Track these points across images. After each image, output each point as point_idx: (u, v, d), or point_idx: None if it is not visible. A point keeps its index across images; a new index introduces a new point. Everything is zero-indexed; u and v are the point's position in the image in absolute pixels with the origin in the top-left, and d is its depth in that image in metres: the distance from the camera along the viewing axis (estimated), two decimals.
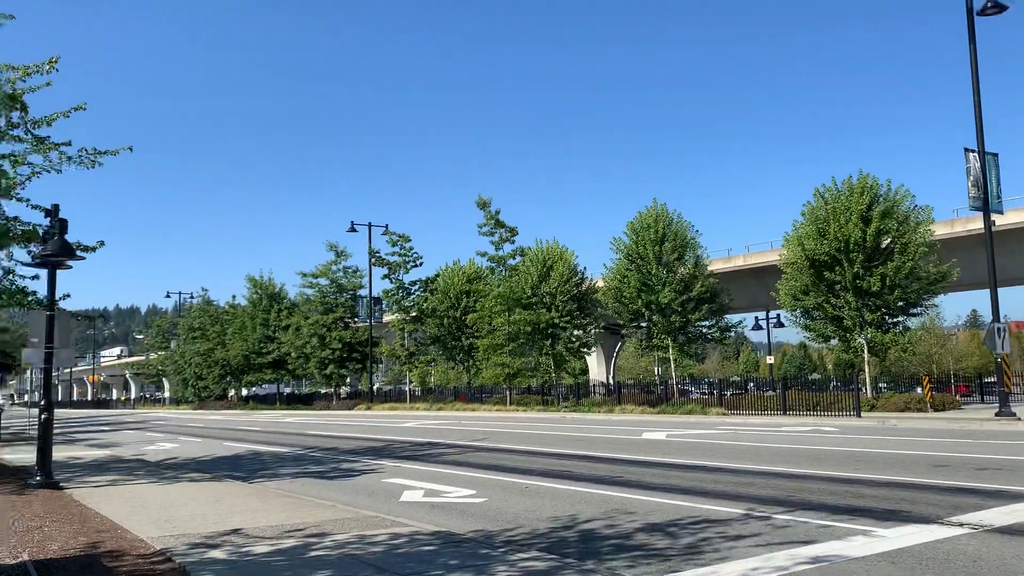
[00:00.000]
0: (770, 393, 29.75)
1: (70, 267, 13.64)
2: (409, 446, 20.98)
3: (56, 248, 12.34)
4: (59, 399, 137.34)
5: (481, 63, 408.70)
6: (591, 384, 43.99)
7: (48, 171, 15.28)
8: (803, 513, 9.13)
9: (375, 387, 59.54)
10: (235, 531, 8.44)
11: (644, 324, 40.30)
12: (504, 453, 17.78)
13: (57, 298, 16.71)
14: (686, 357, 41.26)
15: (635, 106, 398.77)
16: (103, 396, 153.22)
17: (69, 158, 15.42)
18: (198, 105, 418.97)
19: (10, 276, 16.23)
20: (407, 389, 52.71)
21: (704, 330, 40.15)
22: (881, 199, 31.00)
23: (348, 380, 64.28)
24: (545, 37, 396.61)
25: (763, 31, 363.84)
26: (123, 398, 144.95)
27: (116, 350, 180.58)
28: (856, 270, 30.02)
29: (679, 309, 38.13)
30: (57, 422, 60.29)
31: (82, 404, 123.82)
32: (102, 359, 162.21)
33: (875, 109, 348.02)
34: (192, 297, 78.70)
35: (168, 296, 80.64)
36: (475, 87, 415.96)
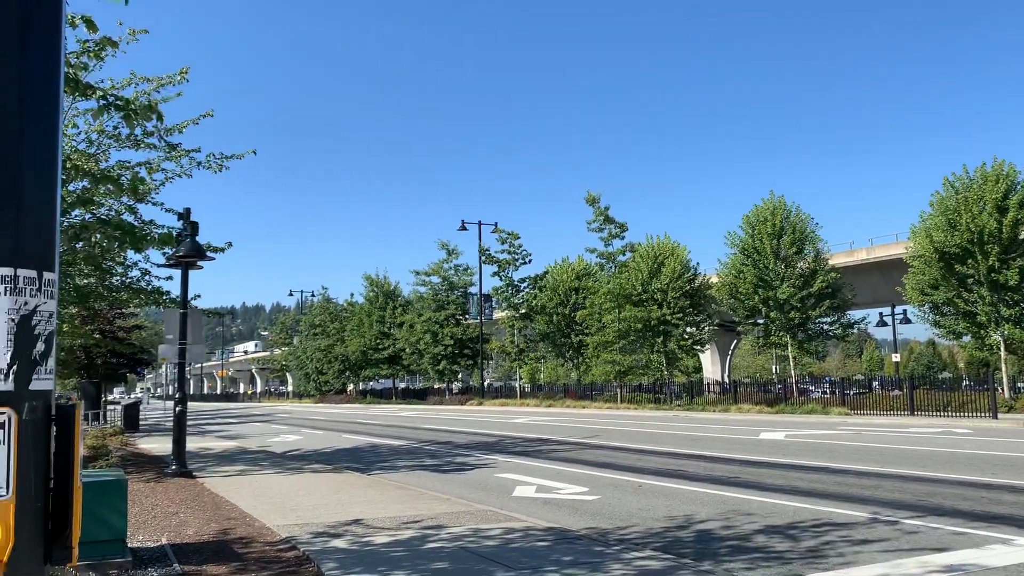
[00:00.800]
0: (896, 393, 28.27)
1: (201, 267, 14.41)
2: (521, 442, 21.11)
3: (189, 249, 13.06)
4: (191, 393, 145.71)
5: (589, 48, 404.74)
6: (705, 382, 43.09)
7: (180, 176, 16.29)
8: (935, 519, 8.64)
9: (486, 383, 60.35)
10: (356, 521, 8.71)
11: (761, 321, 39.15)
12: (616, 451, 17.64)
13: (189, 297, 17.77)
14: (805, 355, 39.90)
15: (749, 97, 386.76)
16: (231, 390, 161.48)
17: (199, 163, 16.30)
18: (312, 107, 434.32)
19: (147, 277, 17.36)
20: (517, 385, 53.14)
21: (825, 327, 38.64)
22: (1019, 187, 29.00)
23: (460, 376, 65.32)
24: (657, 14, 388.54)
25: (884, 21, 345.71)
26: (249, 392, 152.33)
27: (249, 344, 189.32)
28: (991, 263, 28.21)
29: (798, 305, 36.83)
30: (189, 415, 63.84)
31: (212, 398, 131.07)
32: (232, 355, 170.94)
33: (1008, 101, 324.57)
34: (312, 295, 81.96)
35: (291, 294, 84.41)
36: (587, 76, 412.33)
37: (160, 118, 4.56)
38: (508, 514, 9.22)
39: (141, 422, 39.43)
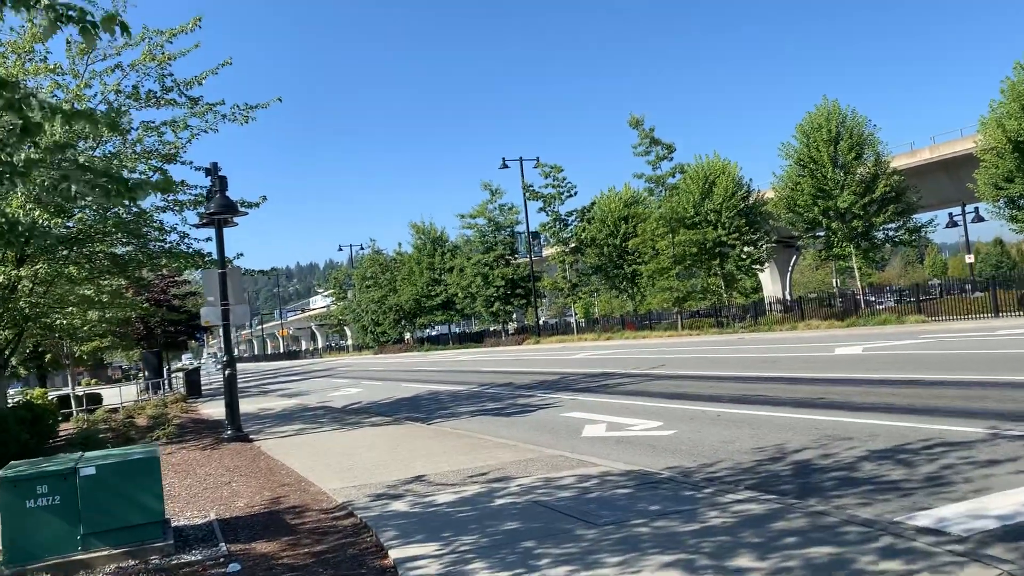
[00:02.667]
0: (978, 294, 26.68)
1: (235, 224, 13.76)
2: (583, 377, 20.39)
3: (219, 205, 12.39)
4: (255, 354, 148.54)
5: None
6: (766, 302, 41.75)
7: (205, 131, 15.58)
8: None
9: (540, 321, 59.77)
10: (417, 478, 8.05)
11: (822, 233, 37.52)
12: (684, 380, 16.78)
13: (230, 256, 17.21)
14: (871, 264, 38.24)
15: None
16: (293, 348, 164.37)
17: (223, 116, 15.57)
18: (346, 58, 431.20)
19: (186, 240, 16.85)
20: (573, 321, 52.41)
21: (890, 233, 36.86)
22: None
23: (514, 316, 64.87)
24: None
25: None
26: (311, 348, 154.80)
27: (316, 299, 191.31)
28: None
29: (860, 213, 35.12)
30: (252, 374, 64.77)
31: (275, 357, 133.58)
32: (293, 313, 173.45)
33: None
34: (362, 248, 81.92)
35: (340, 249, 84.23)
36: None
37: (125, 29, 3.69)
38: (580, 458, 8.48)
39: (204, 387, 39.84)
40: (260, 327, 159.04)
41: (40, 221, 11.86)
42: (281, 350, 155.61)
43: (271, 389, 34.18)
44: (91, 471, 5.73)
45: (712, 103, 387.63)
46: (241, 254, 17.05)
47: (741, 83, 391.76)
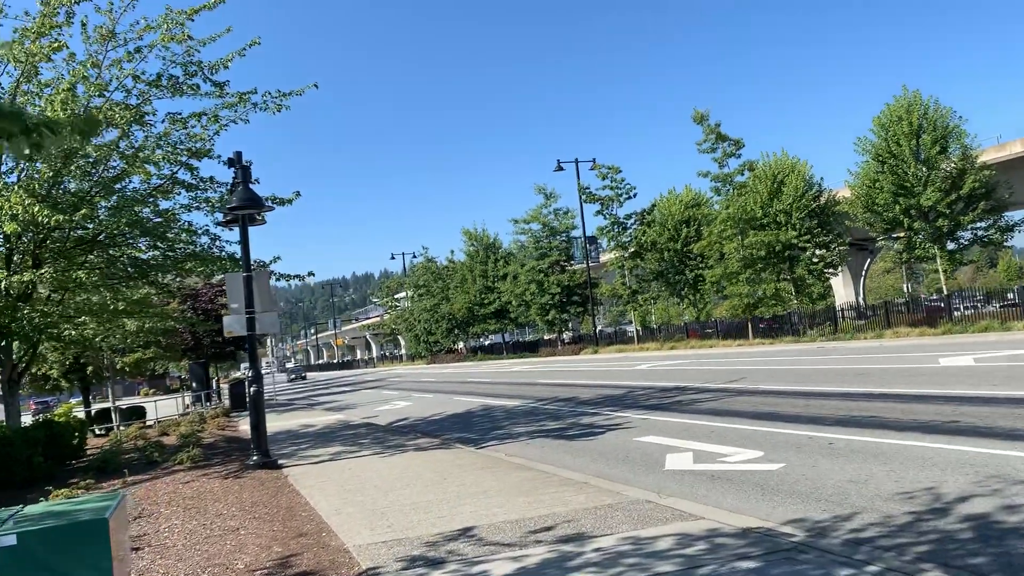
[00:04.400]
0: None
1: (262, 221, 12.25)
2: (652, 392, 18.45)
3: (242, 199, 10.87)
4: (309, 363, 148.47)
5: None
6: (839, 308, 39.05)
7: (234, 122, 14.18)
8: None
9: (597, 329, 57.68)
10: (464, 532, 6.30)
11: (901, 234, 34.82)
12: (772, 396, 14.73)
13: (264, 260, 15.76)
14: (958, 266, 35.43)
15: None
16: (348, 358, 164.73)
17: (255, 105, 14.19)
18: (400, 60, 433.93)
19: (217, 243, 15.46)
20: (633, 330, 50.14)
21: (979, 233, 33.98)
22: None
23: (569, 324, 62.89)
24: None
25: None
26: (365, 357, 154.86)
27: (372, 307, 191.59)
28: None
29: (946, 211, 32.39)
30: (303, 385, 63.97)
31: (329, 367, 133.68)
32: (352, 322, 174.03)
33: None
34: (415, 256, 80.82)
35: (393, 258, 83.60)
36: None
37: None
38: (673, 505, 6.62)
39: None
40: (315, 336, 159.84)
41: (41, 218, 10.49)
42: (336, 359, 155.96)
43: (320, 401, 32.92)
44: (11, 541, 4.11)
45: (779, 100, 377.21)
46: (278, 258, 15.64)
47: (808, 78, 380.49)
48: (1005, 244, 34.46)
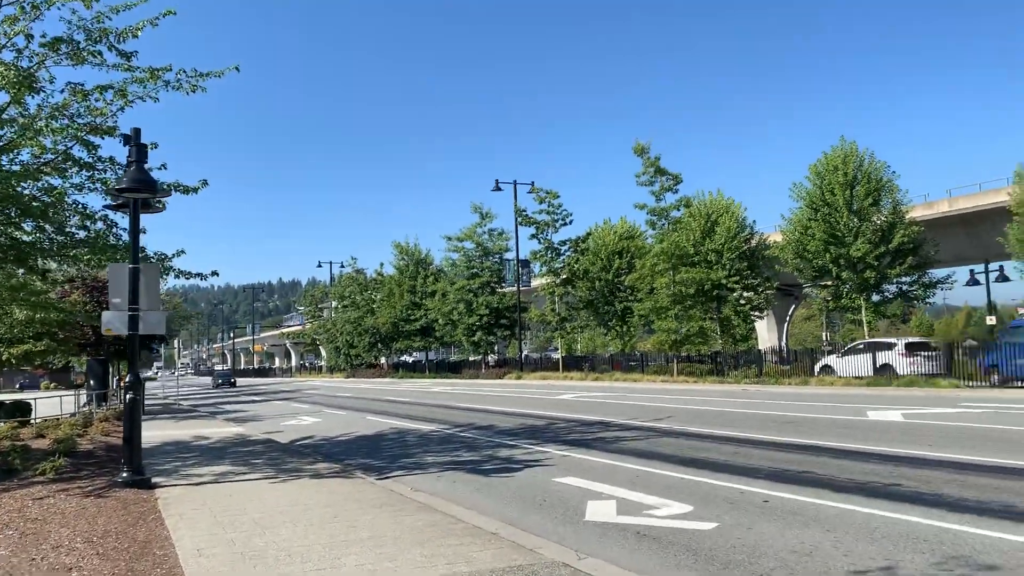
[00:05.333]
0: (1022, 361, 24.07)
1: (159, 208, 10.97)
2: (575, 425, 17.57)
3: (133, 180, 9.58)
4: (225, 369, 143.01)
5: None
6: (762, 351, 39.09)
7: (142, 99, 12.84)
8: None
9: (524, 354, 56.86)
10: None
11: (831, 282, 35.03)
12: (699, 440, 13.99)
13: (167, 253, 14.35)
14: (881, 318, 35.83)
15: (812, 30, 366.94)
16: (266, 365, 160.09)
17: (167, 83, 12.88)
18: (334, 73, 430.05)
19: (115, 230, 14.00)
20: (559, 357, 49.43)
21: (904, 287, 34.42)
22: None
23: (495, 347, 61.96)
24: None
25: None
26: (284, 366, 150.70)
27: (295, 316, 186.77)
28: None
29: (874, 263, 32.71)
30: (214, 391, 61.25)
31: (246, 373, 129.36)
32: (268, 331, 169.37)
33: None
34: (342, 266, 78.80)
35: (320, 266, 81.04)
36: (627, 18, 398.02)
37: None
38: (593, 573, 5.65)
39: (163, 402, 36.68)
40: (232, 341, 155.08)
41: None
42: (254, 366, 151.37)
43: (225, 410, 31.10)
44: None
45: (715, 140, 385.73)
46: (181, 251, 14.27)
47: (746, 122, 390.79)
48: (927, 300, 34.93)
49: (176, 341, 47.27)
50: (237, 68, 13.25)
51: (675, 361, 35.55)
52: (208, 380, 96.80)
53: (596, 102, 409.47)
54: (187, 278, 14.05)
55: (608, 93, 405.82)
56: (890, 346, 29.79)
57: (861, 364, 29.43)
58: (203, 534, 7.20)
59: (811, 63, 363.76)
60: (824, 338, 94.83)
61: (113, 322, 10.06)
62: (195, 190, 12.58)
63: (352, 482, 10.21)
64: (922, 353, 28.78)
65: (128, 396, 9.94)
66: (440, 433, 17.35)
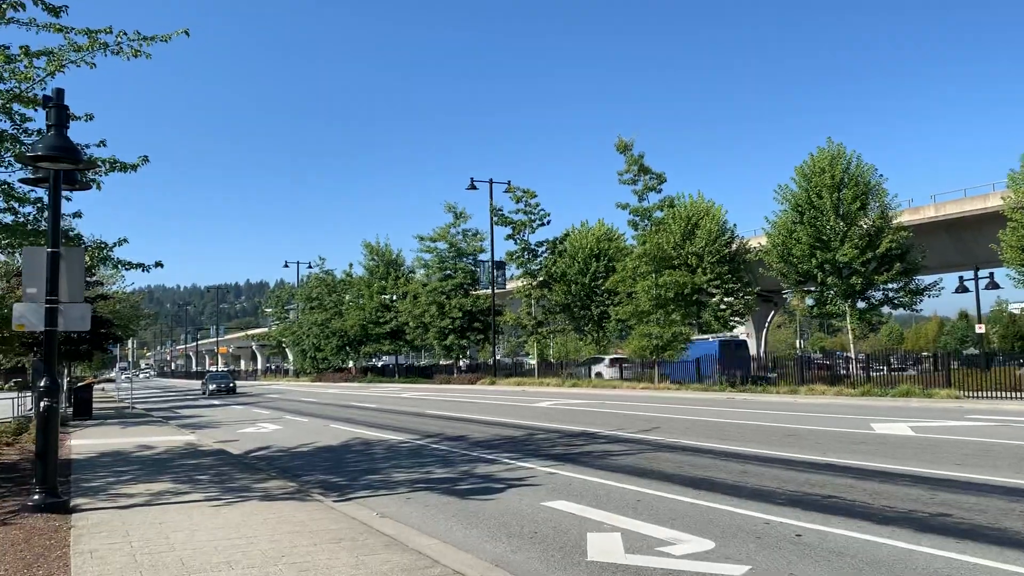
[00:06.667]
0: None
1: (87, 185, 9.43)
2: (558, 437, 16.19)
3: (50, 147, 8.02)
4: (188, 370, 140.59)
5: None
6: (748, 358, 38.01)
7: (76, 64, 11.27)
8: None
9: (496, 359, 55.40)
10: None
11: (816, 287, 34.07)
12: (698, 455, 12.66)
13: (108, 242, 12.79)
14: (866, 325, 34.95)
15: (796, 32, 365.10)
16: (231, 368, 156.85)
17: (105, 46, 11.34)
18: (303, 66, 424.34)
19: (45, 214, 12.39)
20: (533, 362, 47.96)
21: (890, 294, 33.55)
22: None
23: (468, 351, 60.43)
24: None
25: None
26: (250, 369, 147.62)
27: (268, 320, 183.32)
28: None
29: (861, 269, 31.78)
30: (175, 392, 59.07)
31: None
32: (234, 332, 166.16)
33: None
34: (310, 267, 76.63)
35: (286, 266, 78.90)
36: (610, 16, 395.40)
37: None
38: None
39: (117, 406, 34.74)
40: (196, 343, 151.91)
41: None
42: (218, 368, 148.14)
43: (181, 415, 29.30)
44: None
45: (699, 143, 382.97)
46: (124, 240, 12.72)
47: (732, 124, 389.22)
48: (915, 308, 34.08)
49: (131, 342, 45.19)
50: (187, 33, 11.77)
51: (656, 367, 34.32)
52: (182, 384, 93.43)
53: (578, 99, 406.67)
54: (127, 268, 12.49)
55: (591, 93, 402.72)
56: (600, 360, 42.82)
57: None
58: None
59: (795, 65, 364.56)
60: (799, 346, 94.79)
61: (26, 316, 8.49)
62: (134, 167, 11.03)
63: (308, 507, 8.71)
64: (625, 365, 40.36)
65: (42, 404, 8.35)
66: (410, 444, 15.88)
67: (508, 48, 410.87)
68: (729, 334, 39.43)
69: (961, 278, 31.69)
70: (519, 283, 45.87)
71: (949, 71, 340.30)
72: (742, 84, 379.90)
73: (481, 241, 49.75)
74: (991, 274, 30.32)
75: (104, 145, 12.06)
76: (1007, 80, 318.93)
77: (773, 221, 35.25)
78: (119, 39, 11.40)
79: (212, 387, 49.04)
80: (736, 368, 32.31)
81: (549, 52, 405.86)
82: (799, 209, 33.46)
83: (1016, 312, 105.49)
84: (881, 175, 33.08)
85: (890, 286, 32.86)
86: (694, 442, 14.30)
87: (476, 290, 50.57)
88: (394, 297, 59.64)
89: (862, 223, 32.19)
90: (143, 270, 12.19)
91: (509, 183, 43.39)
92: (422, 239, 52.11)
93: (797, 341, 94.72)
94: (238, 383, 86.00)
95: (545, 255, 43.69)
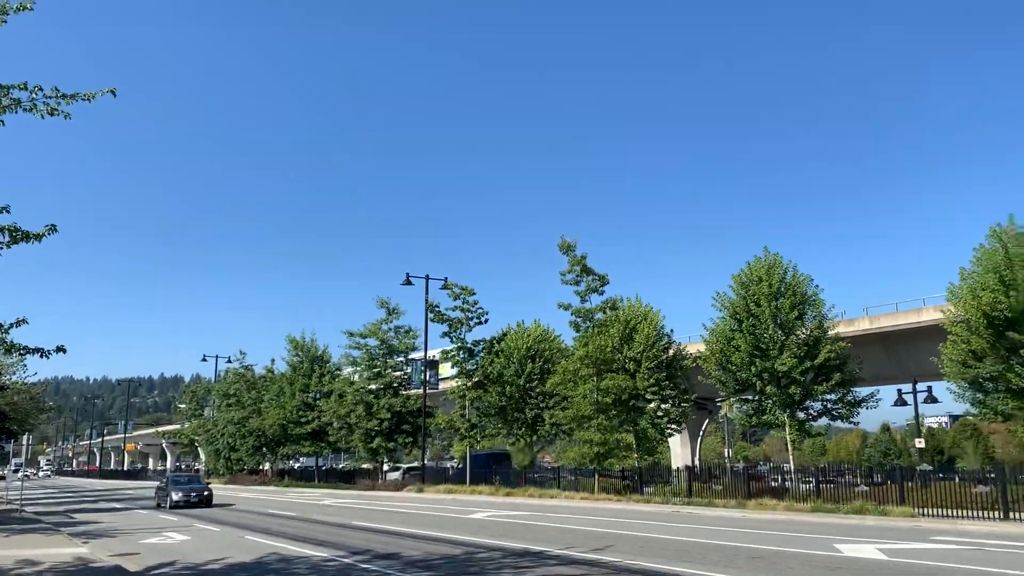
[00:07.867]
0: (982, 488, 22.46)
1: None
2: (501, 556, 14.63)
3: None
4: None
5: (560, 83, 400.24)
6: (687, 468, 36.95)
7: None
8: None
9: (423, 463, 52.88)
10: None
11: (755, 396, 33.55)
12: None
13: (6, 324, 11.12)
14: (805, 436, 34.43)
15: (735, 152, 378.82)
16: (139, 466, 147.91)
17: (17, 102, 10.17)
18: (231, 158, 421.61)
19: None
20: (467, 469, 45.73)
21: (828, 405, 33.24)
22: None
23: (395, 454, 57.77)
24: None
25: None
26: (158, 468, 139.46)
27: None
28: None
29: (800, 379, 31.46)
30: (72, 494, 54.62)
31: (115, 474, 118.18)
32: (143, 429, 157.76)
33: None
34: (229, 361, 73.26)
35: (204, 360, 75.25)
36: (553, 113, 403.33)
37: None
38: None
39: (5, 508, 31.34)
40: (101, 439, 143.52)
41: None
42: (124, 466, 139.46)
43: (77, 519, 26.48)
44: None
45: (635, 251, 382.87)
46: (22, 320, 11.10)
47: (669, 236, 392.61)
48: (852, 420, 33.81)
49: (26, 437, 41.48)
50: (113, 92, 10.65)
51: (596, 476, 32.90)
52: (82, 483, 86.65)
53: (518, 199, 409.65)
54: (23, 353, 10.84)
55: (533, 191, 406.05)
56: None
57: None
58: None
59: (731, 173, 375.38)
60: (727, 455, 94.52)
61: None
62: (38, 237, 9.61)
63: None
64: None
65: None
66: (337, 563, 14.10)
67: (449, 145, 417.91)
68: None
69: (900, 391, 31.73)
70: (454, 383, 44.31)
71: (876, 204, 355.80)
72: (680, 193, 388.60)
73: (414, 339, 48.20)
74: (929, 388, 30.37)
75: (8, 211, 10.62)
76: (932, 208, 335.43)
77: (711, 328, 34.92)
78: (33, 95, 10.24)
79: (177, 497, 33.43)
80: None
81: (491, 153, 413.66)
82: (737, 317, 33.22)
83: (933, 426, 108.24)
84: (817, 285, 33.30)
85: (829, 397, 32.57)
86: (654, 564, 12.98)
87: (407, 390, 48.63)
88: (318, 395, 57.05)
89: (799, 333, 32.08)
90: (42, 356, 10.55)
91: (446, 279, 42.42)
92: (351, 334, 50.26)
93: (725, 450, 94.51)
94: (143, 483, 79.94)
95: (482, 354, 42.39)
